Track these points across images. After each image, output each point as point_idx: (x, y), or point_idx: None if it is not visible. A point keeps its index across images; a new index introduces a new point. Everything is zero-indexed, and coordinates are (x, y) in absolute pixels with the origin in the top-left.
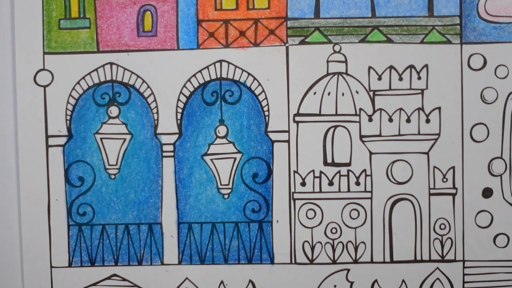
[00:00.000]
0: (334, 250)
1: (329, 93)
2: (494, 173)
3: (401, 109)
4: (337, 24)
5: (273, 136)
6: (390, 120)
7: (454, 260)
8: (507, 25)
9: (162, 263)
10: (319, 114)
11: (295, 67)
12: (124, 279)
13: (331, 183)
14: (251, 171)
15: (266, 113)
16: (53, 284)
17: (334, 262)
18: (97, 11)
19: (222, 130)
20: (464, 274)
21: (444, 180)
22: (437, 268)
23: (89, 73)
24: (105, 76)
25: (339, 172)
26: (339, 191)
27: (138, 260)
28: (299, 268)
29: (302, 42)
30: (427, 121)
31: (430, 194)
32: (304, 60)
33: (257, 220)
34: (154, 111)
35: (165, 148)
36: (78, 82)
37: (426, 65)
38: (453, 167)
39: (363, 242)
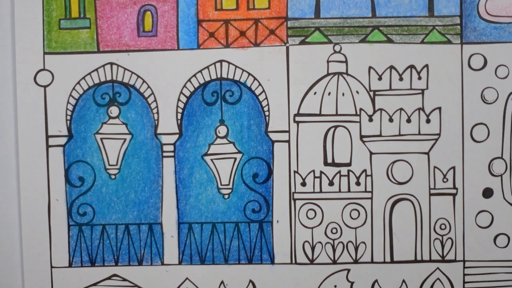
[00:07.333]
0: (334, 250)
1: (329, 93)
2: (495, 173)
3: (401, 109)
4: (338, 24)
5: (273, 136)
6: (391, 120)
7: (455, 260)
8: (507, 25)
9: (163, 263)
10: (320, 114)
11: (295, 67)
12: (124, 279)
13: (331, 183)
14: (251, 171)
15: (267, 113)
16: (53, 284)
17: (334, 262)
18: (97, 11)
19: (222, 130)
20: (464, 274)
21: (445, 180)
22: (438, 268)
23: (89, 73)
24: (105, 76)
25: (339, 172)
26: (340, 191)
27: (138, 260)
28: (299, 268)
29: (303, 42)
30: (428, 121)
31: (430, 194)
32: (304, 60)
33: (257, 220)
34: (155, 111)
35: (165, 148)
36: (78, 82)
37: (427, 65)
38: (454, 167)
39: (364, 242)
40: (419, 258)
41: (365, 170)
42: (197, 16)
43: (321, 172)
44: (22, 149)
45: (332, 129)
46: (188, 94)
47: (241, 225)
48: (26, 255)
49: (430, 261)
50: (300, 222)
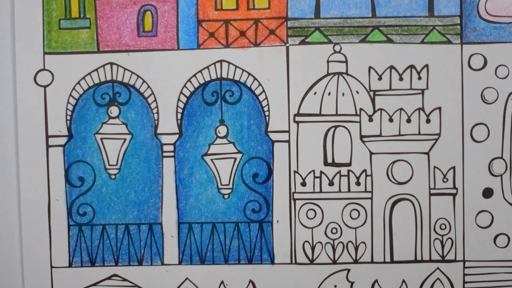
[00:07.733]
0: (334, 250)
1: (329, 93)
2: (495, 173)
3: (401, 109)
4: (338, 24)
5: (273, 136)
6: (391, 120)
7: (455, 260)
8: (507, 25)
9: (163, 263)
10: (320, 114)
11: (295, 67)
12: (124, 279)
13: (331, 183)
14: (251, 171)
15: (267, 113)
16: (53, 284)
17: (334, 262)
18: (97, 11)
19: (222, 130)
20: (464, 274)
21: (445, 180)
22: (438, 268)
23: (89, 73)
24: (105, 76)
25: (339, 172)
26: (340, 191)
27: (138, 260)
28: (299, 268)
29: (303, 42)
30: (428, 121)
31: (430, 194)
32: (304, 60)
33: (257, 220)
34: (155, 111)
35: (165, 148)
36: (78, 82)
37: (427, 65)
38: (454, 167)
39: (364, 242)
40: (419, 258)
41: (365, 170)
42: (197, 16)
43: (321, 172)
44: (22, 149)
45: (332, 129)
46: (188, 94)
47: (241, 225)
48: (26, 255)
49: (430, 261)
50: (300, 222)
